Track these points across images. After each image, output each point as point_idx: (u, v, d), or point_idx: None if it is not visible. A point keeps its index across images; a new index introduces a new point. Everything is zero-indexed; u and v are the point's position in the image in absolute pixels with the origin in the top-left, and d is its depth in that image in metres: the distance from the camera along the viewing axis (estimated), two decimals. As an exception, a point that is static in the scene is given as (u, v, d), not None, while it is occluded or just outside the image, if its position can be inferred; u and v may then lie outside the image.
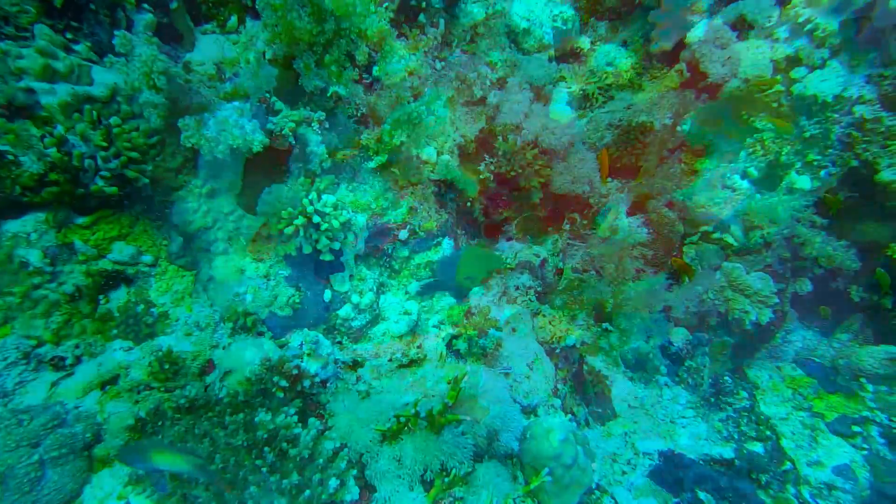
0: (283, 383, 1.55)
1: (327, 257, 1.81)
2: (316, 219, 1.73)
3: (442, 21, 3.39)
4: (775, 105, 3.50)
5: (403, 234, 2.05)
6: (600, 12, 4.63)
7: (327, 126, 1.80)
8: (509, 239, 3.61)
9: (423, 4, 3.03)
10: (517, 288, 2.76)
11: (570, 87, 4.04)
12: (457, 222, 2.37)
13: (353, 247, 1.94)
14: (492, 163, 3.25)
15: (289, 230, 1.72)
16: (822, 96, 3.34)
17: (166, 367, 1.47)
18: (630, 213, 3.37)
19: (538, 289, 2.81)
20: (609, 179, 3.77)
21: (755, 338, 3.87)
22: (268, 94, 1.74)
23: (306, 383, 1.68)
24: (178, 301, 1.61)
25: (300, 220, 1.72)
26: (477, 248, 2.80)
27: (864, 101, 3.39)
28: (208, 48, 2.15)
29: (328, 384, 1.81)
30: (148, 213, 1.52)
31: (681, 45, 3.50)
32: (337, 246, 1.81)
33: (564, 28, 4.47)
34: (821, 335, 4.16)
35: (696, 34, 3.24)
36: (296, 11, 1.54)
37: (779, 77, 3.30)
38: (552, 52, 4.26)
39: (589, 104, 4.08)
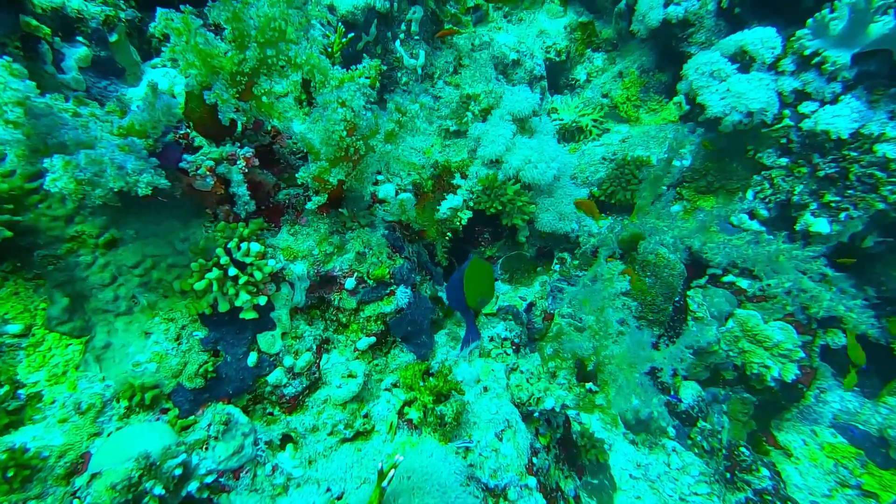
0: (159, 491, 1.24)
1: (249, 314, 1.55)
2: (233, 270, 1.48)
3: (422, 52, 3.23)
4: (784, 141, 3.21)
5: (350, 283, 1.79)
6: (596, 44, 4.46)
7: (256, 163, 1.58)
8: (494, 279, 3.33)
9: (361, 44, 2.87)
10: (491, 339, 2.46)
11: (561, 119, 3.83)
12: (417, 267, 2.11)
13: (287, 301, 1.68)
14: (470, 199, 3.01)
15: (200, 285, 1.47)
16: (836, 132, 3.05)
17: (10, 473, 1.16)
18: (623, 255, 3.07)
19: (515, 340, 2.50)
20: (602, 215, 3.49)
21: (781, 396, 3.42)
22: (186, 129, 1.54)
23: (192, 486, 1.36)
24: (57, 378, 1.34)
25: (214, 273, 1.47)
26: (481, 262, 2.43)
27: (887, 138, 3.09)
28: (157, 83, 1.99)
29: (242, 474, 1.51)
30: (21, 271, 1.28)
31: (678, 76, 3.28)
32: (263, 301, 1.55)
33: (557, 60, 4.30)
34: (863, 397, 3.59)
35: (693, 65, 3.02)
36: (202, 36, 1.35)
37: (786, 112, 3.04)
38: (544, 83, 4.08)
39: (582, 136, 3.85)
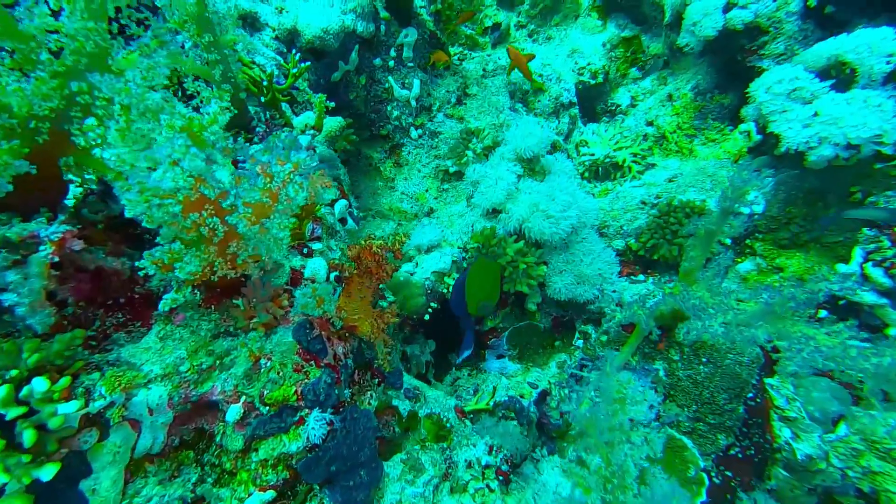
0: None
1: (48, 475, 1.08)
2: (13, 412, 1.03)
3: (417, 81, 2.75)
4: (906, 180, 2.30)
5: (234, 413, 1.28)
6: (643, 61, 3.74)
7: (77, 247, 1.13)
8: (501, 356, 2.67)
9: (338, 75, 2.42)
10: (469, 465, 1.79)
11: (592, 154, 3.15)
12: (356, 372, 1.55)
13: (118, 454, 1.19)
14: (462, 259, 2.42)
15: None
16: None
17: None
18: (663, 335, 2.30)
19: (503, 466, 1.83)
20: (640, 276, 2.74)
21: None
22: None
23: None
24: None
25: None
26: (488, 262, 2.13)
27: None
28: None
29: None
30: None
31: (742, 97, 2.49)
32: (49, 473, 1.06)
33: (592, 82, 3.64)
34: None
35: (763, 83, 2.24)
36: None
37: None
38: (574, 111, 3.44)
39: (618, 174, 3.13)
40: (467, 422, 1.92)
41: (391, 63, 2.69)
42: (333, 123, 2.02)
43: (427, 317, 2.20)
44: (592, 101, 3.74)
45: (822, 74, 2.27)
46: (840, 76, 2.28)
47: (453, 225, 2.60)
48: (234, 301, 1.38)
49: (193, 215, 1.05)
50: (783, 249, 2.62)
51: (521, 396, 2.44)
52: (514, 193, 2.41)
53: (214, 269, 1.18)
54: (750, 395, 2.30)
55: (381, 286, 1.74)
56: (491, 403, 2.25)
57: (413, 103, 2.78)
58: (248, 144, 1.09)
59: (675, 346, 2.30)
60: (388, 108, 2.77)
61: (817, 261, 2.50)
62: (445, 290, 2.28)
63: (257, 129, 1.69)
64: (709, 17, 2.53)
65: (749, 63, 2.62)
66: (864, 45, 2.23)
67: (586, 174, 3.24)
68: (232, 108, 1.34)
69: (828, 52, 2.31)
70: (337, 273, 1.55)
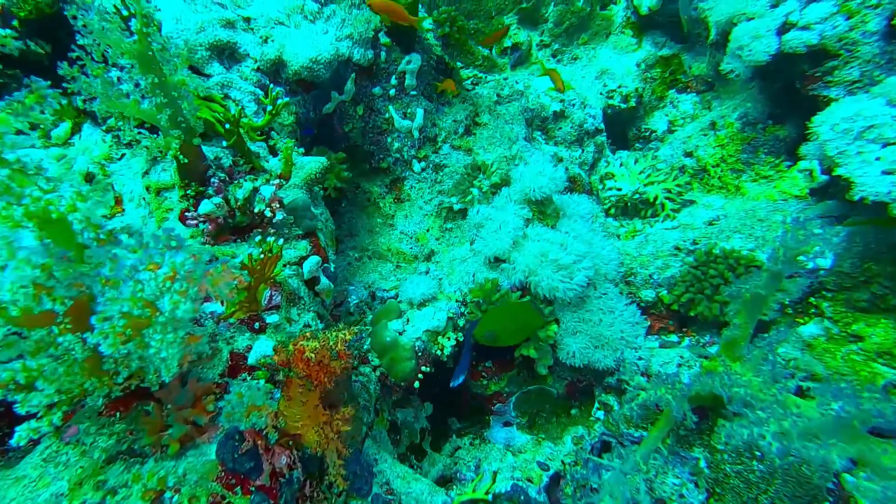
0: None
1: None
2: None
3: (420, 111, 2.51)
4: None
5: None
6: (683, 83, 3.36)
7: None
8: (507, 424, 2.34)
9: (332, 106, 2.19)
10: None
11: (619, 189, 2.79)
12: (293, 497, 1.28)
13: None
14: (460, 315, 2.13)
15: None
16: None
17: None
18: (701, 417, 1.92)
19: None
20: (674, 336, 2.34)
21: None
22: None
23: None
24: None
25: None
26: (523, 303, 2.02)
27: None
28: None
29: None
30: None
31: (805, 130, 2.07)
32: None
33: (623, 106, 3.29)
34: None
35: (827, 119, 1.83)
36: None
37: None
38: (601, 139, 3.10)
39: (649, 212, 2.76)
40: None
41: (392, 92, 2.46)
42: (315, 165, 1.79)
43: (417, 384, 1.91)
44: (624, 127, 3.37)
45: (908, 105, 1.83)
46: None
47: (454, 272, 2.31)
48: (144, 407, 1.14)
49: (38, 332, 0.82)
50: (861, 313, 2.15)
51: (530, 481, 2.10)
52: (521, 241, 2.10)
53: (87, 390, 0.95)
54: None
55: (351, 377, 1.48)
56: (490, 495, 1.92)
57: (416, 134, 2.54)
58: (140, 233, 0.85)
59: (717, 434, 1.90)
60: (389, 139, 2.53)
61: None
62: (439, 352, 1.99)
63: (213, 179, 1.48)
64: (759, 42, 2.13)
65: (811, 91, 2.20)
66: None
67: (612, 210, 2.87)
68: (181, 157, 1.12)
69: (914, 77, 1.87)
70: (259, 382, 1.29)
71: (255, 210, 1.53)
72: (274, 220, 1.51)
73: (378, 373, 1.87)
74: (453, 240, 2.55)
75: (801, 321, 2.12)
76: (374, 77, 2.42)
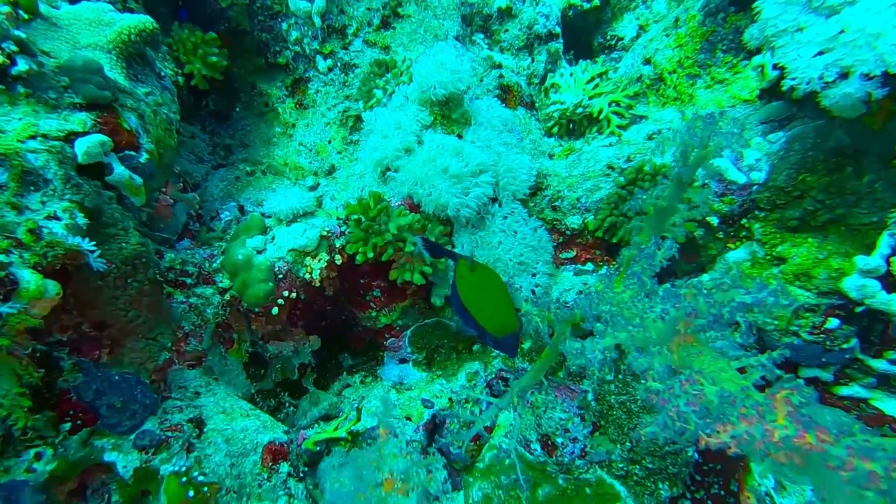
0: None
1: None
2: None
3: None
4: None
5: None
6: (657, -21, 2.87)
7: None
8: (403, 360, 2.14)
9: None
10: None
11: (562, 102, 2.41)
12: None
13: None
14: (340, 234, 1.85)
15: None
16: None
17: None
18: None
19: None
20: (590, 265, 2.07)
21: None
22: None
23: None
24: None
25: None
26: (475, 273, 1.32)
27: None
28: None
29: None
30: None
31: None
32: None
33: (588, 7, 2.83)
34: None
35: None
36: None
37: None
38: (556, 45, 2.68)
39: (594, 129, 2.40)
40: (283, 467, 1.42)
41: (281, -33, 2.04)
42: (130, 23, 1.43)
43: (275, 310, 1.68)
44: (590, 34, 2.91)
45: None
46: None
47: (348, 188, 2.02)
48: None
49: None
50: (791, 233, 1.84)
51: (409, 419, 1.91)
52: (414, 148, 1.78)
53: None
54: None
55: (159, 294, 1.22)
56: (343, 434, 1.74)
57: (317, 21, 2.13)
58: None
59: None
60: (284, 25, 2.14)
61: (837, 249, 1.72)
62: (307, 276, 1.73)
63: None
64: None
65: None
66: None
67: (555, 129, 2.51)
68: None
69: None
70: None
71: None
72: (12, 71, 1.17)
73: (228, 296, 1.64)
74: (359, 153, 2.23)
75: (732, 246, 1.83)
76: (257, -53, 2.00)
